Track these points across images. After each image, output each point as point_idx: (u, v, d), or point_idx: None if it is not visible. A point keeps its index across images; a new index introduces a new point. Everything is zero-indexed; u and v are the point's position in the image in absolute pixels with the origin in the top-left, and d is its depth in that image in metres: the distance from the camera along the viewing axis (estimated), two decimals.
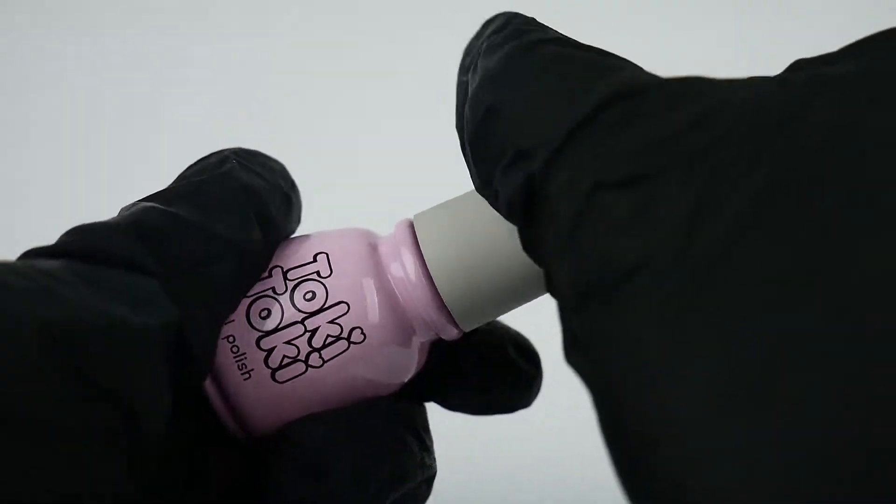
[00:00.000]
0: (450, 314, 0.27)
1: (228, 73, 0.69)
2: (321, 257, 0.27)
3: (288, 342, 0.26)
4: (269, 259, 0.27)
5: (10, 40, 0.70)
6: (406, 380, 0.29)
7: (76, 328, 0.20)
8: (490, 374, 0.30)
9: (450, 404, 0.31)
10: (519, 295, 0.27)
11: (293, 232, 0.29)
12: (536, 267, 0.23)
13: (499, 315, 0.28)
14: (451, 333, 0.28)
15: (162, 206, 0.25)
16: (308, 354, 0.26)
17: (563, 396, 0.33)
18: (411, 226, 0.28)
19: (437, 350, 0.30)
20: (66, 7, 0.72)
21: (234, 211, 0.26)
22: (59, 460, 0.20)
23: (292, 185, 0.29)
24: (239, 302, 0.26)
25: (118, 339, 0.21)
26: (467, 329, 0.28)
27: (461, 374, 0.30)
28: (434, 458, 0.29)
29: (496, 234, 0.26)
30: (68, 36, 0.70)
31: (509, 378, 0.30)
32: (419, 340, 0.28)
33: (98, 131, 0.65)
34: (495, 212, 0.24)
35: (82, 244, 0.23)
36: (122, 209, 0.26)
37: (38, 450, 0.19)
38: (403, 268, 0.27)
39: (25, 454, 0.19)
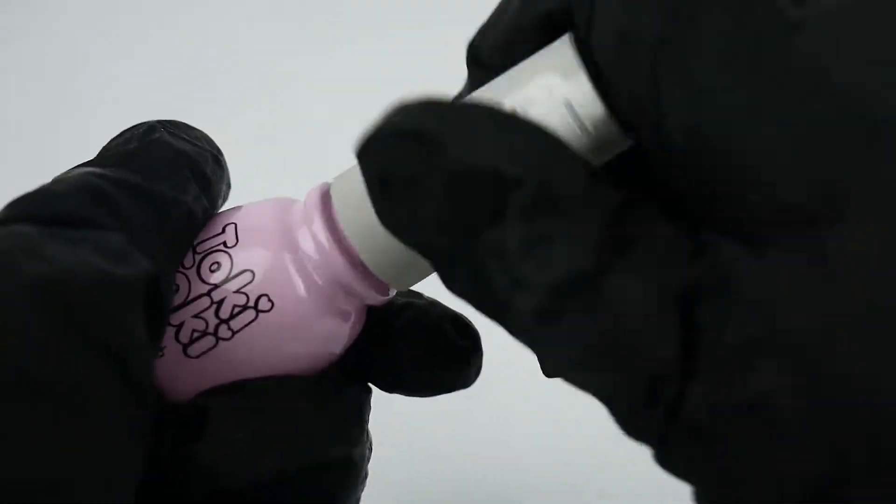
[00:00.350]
0: (370, 275, 0.26)
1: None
2: (229, 228, 0.27)
3: (195, 315, 0.26)
4: (209, 218, 0.28)
5: None
6: (336, 351, 0.28)
7: (66, 282, 0.21)
8: (423, 350, 0.29)
9: (387, 385, 0.30)
10: None
11: (225, 195, 0.29)
12: None
13: (429, 271, 0.27)
14: (375, 298, 0.27)
15: (101, 171, 0.25)
16: (216, 326, 0.26)
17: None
18: (325, 188, 0.27)
19: (370, 329, 0.29)
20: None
21: (173, 172, 0.26)
22: (64, 417, 0.20)
23: (219, 150, 0.29)
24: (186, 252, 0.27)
25: (106, 291, 0.21)
26: (397, 288, 0.27)
27: (393, 351, 0.29)
28: (357, 437, 0.27)
29: None
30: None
31: (444, 355, 0.29)
32: (342, 307, 0.27)
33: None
34: None
35: (39, 210, 0.23)
36: (54, 179, 0.26)
37: (41, 407, 0.19)
38: (311, 231, 0.26)
39: (28, 413, 0.19)
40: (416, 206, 0.19)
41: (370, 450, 0.29)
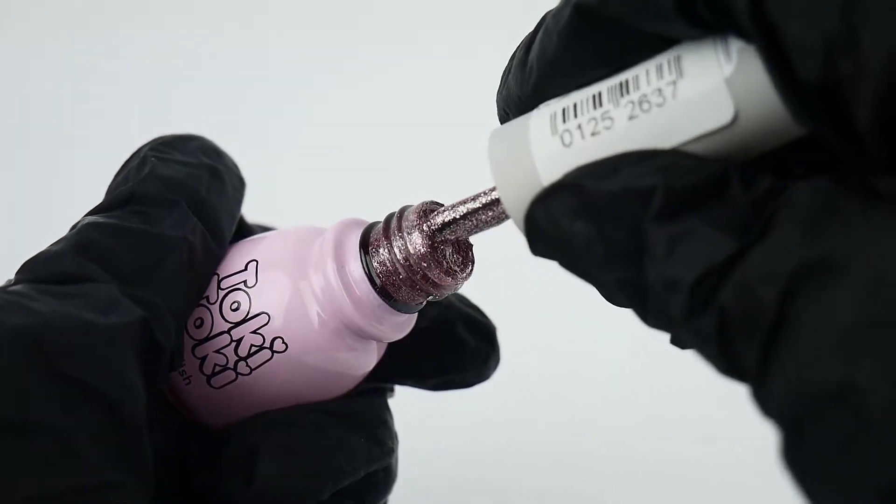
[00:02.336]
0: (382, 318, 0.27)
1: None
2: (251, 265, 0.28)
3: (217, 351, 0.27)
4: (218, 240, 0.28)
5: None
6: (357, 374, 0.29)
7: (48, 332, 0.23)
8: (440, 356, 0.30)
9: (404, 383, 0.31)
10: None
11: (239, 194, 0.30)
12: None
13: None
14: (389, 337, 0.28)
15: (102, 220, 0.27)
16: (236, 363, 0.27)
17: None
18: (340, 229, 0.28)
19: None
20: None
21: (167, 207, 0.27)
22: (48, 458, 0.21)
23: (216, 154, 0.30)
24: (198, 287, 0.28)
25: (90, 338, 0.23)
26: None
27: (412, 358, 0.30)
28: (390, 446, 0.29)
29: None
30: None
31: (459, 358, 0.30)
32: (357, 346, 0.28)
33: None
34: None
35: (39, 271, 0.25)
36: (71, 228, 0.28)
37: (23, 450, 0.21)
38: (324, 275, 0.27)
39: (10, 456, 0.21)
40: (566, 243, 0.21)
41: (397, 441, 0.30)
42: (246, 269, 0.28)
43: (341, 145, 0.62)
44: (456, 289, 0.28)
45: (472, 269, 0.28)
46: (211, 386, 0.28)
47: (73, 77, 0.70)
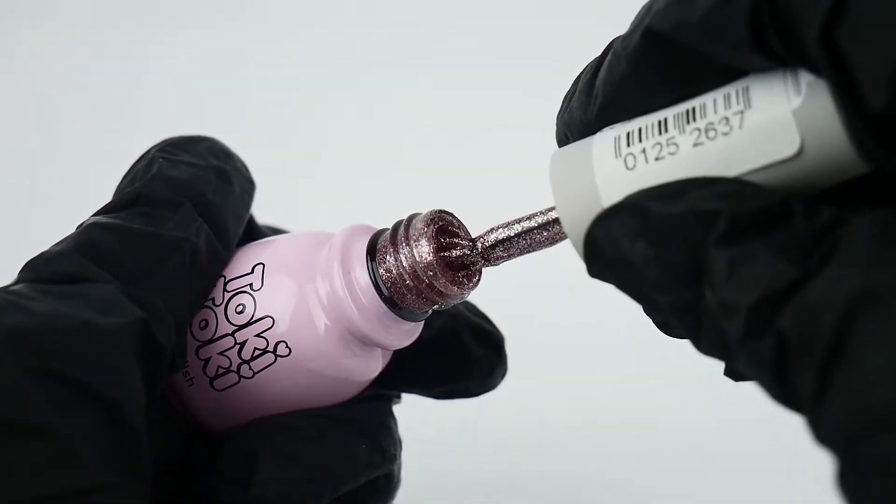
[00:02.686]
0: (388, 326, 0.27)
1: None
2: (258, 268, 0.28)
3: (221, 353, 0.27)
4: (224, 242, 0.28)
5: None
6: (362, 380, 0.29)
7: (45, 332, 0.22)
8: (445, 365, 0.30)
9: (409, 391, 0.31)
10: None
11: (249, 196, 0.30)
12: None
13: None
14: (394, 345, 0.28)
15: (106, 220, 0.27)
16: (239, 366, 0.27)
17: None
18: (345, 234, 0.28)
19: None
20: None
21: (172, 209, 0.27)
22: (43, 459, 0.21)
23: (226, 155, 0.30)
24: (202, 288, 0.28)
25: (88, 339, 0.23)
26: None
27: (417, 366, 0.30)
28: (393, 453, 0.29)
29: None
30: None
31: (464, 368, 0.30)
32: (360, 352, 0.28)
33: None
34: None
35: (40, 270, 0.25)
36: (77, 226, 0.28)
37: (17, 451, 0.21)
38: (330, 282, 0.27)
39: (4, 456, 0.21)
40: (625, 263, 0.22)
41: (401, 447, 0.30)
42: (252, 272, 0.28)
43: (356, 148, 0.62)
44: (462, 298, 0.27)
45: (478, 280, 0.28)
46: (214, 388, 0.28)
47: (84, 77, 0.71)
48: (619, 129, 0.23)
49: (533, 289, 0.43)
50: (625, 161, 0.22)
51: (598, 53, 0.24)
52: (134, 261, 0.25)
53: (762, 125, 0.21)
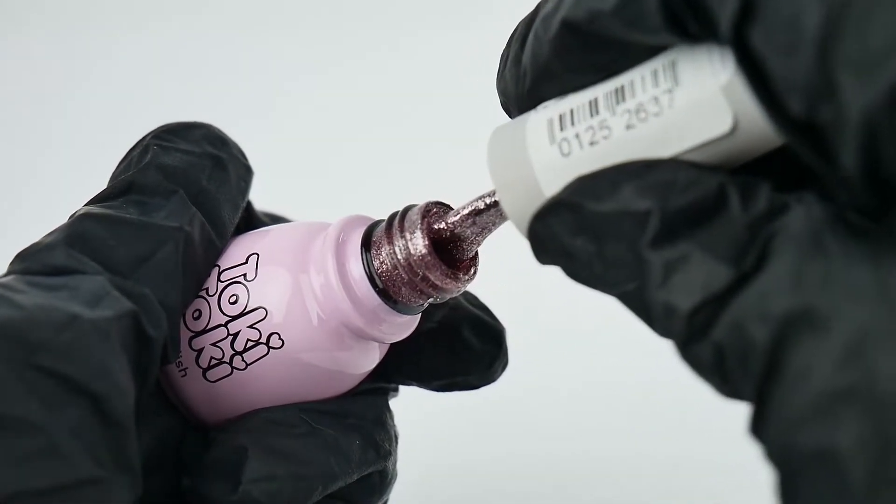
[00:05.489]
0: (382, 319, 0.27)
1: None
2: (252, 259, 0.27)
3: (213, 344, 0.27)
4: (219, 231, 0.28)
5: None
6: (357, 373, 0.28)
7: (31, 326, 0.22)
8: (444, 358, 0.29)
9: (408, 384, 0.31)
10: None
11: (245, 184, 0.29)
12: None
13: None
14: (389, 338, 0.27)
15: (98, 210, 0.26)
16: (232, 357, 0.27)
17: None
18: (341, 225, 0.27)
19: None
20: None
21: (165, 197, 0.27)
22: (26, 454, 0.21)
23: (222, 142, 0.29)
24: (195, 278, 0.27)
25: (74, 332, 0.23)
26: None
27: (416, 358, 0.30)
28: (387, 448, 0.29)
29: None
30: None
31: (463, 360, 0.29)
32: (355, 345, 0.27)
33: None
34: None
35: (30, 262, 0.25)
36: (69, 216, 0.27)
37: (3, 445, 0.21)
38: (324, 274, 0.27)
39: None
40: (568, 257, 0.22)
41: (397, 442, 0.30)
42: (246, 262, 0.27)
43: (352, 138, 0.62)
44: (458, 292, 0.27)
45: (475, 272, 0.27)
46: (207, 379, 0.27)
47: (76, 71, 0.71)
48: (552, 110, 0.23)
49: (535, 278, 0.43)
50: (560, 147, 0.22)
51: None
52: (125, 251, 0.25)
53: (692, 104, 0.20)
